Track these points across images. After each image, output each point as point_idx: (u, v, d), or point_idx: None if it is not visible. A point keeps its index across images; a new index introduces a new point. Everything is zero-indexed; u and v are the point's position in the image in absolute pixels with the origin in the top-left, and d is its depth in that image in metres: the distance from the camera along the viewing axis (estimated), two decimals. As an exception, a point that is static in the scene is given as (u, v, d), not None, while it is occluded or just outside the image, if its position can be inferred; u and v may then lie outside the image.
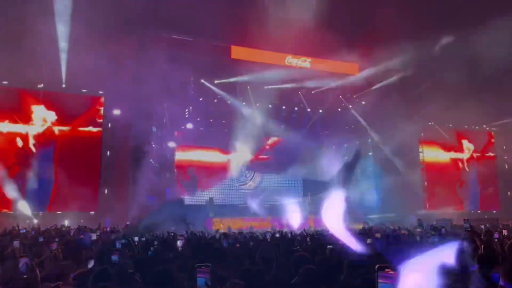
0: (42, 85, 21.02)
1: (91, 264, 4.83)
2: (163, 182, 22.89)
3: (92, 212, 21.38)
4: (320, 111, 26.59)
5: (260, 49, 23.64)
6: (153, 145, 23.12)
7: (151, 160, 22.14)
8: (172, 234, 10.13)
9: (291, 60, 24.27)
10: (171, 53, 21.30)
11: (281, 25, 19.71)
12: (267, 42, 22.68)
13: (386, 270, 2.34)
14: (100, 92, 22.56)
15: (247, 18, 20.67)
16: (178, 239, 7.11)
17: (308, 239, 8.00)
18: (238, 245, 7.58)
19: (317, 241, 7.67)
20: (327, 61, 25.34)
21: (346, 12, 21.58)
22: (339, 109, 26.98)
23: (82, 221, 19.16)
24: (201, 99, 24.49)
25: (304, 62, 24.51)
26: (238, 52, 23.24)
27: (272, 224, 23.61)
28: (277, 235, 9.61)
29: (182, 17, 19.76)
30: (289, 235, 10.20)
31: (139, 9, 18.61)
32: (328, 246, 6.63)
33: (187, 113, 25.32)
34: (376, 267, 2.37)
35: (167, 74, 20.39)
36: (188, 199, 24.20)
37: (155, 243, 7.56)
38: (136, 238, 7.60)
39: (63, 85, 21.09)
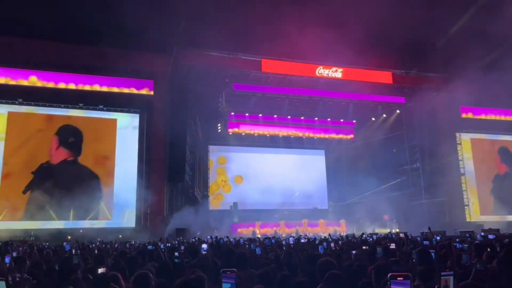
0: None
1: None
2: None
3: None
4: None
5: (290, 61, 23.85)
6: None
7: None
8: (198, 239, 10.27)
9: (322, 71, 24.22)
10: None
11: (311, 36, 19.85)
12: (297, 54, 22.95)
13: (399, 278, 2.34)
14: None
15: (277, 31, 21.01)
16: (203, 244, 7.22)
17: (333, 244, 7.95)
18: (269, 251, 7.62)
19: (342, 247, 7.61)
20: (360, 71, 25.12)
21: (377, 19, 21.38)
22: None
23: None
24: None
25: (335, 72, 24.38)
26: (269, 65, 23.50)
27: (297, 229, 23.89)
28: (302, 240, 9.55)
29: (213, 33, 20.32)
30: (314, 240, 10.13)
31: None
32: (353, 252, 6.59)
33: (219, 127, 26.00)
34: (388, 275, 2.37)
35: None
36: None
37: (182, 248, 7.72)
38: (162, 245, 7.78)
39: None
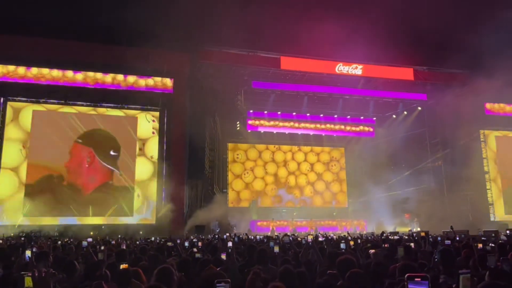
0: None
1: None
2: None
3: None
4: None
5: (310, 58, 23.70)
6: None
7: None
8: (217, 236, 10.33)
9: (342, 67, 24.00)
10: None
11: (330, 33, 19.68)
12: (316, 50, 22.80)
13: (417, 278, 2.33)
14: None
15: (296, 28, 20.90)
16: (228, 241, 7.26)
17: (351, 243, 7.89)
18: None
19: (360, 246, 7.55)
20: (380, 67, 24.80)
21: (397, 14, 21.04)
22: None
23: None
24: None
25: (355, 69, 24.13)
26: (288, 62, 23.41)
27: (316, 227, 23.85)
28: (320, 238, 9.50)
29: (232, 31, 20.36)
30: (333, 238, 10.08)
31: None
32: (371, 251, 6.52)
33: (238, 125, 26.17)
34: (405, 276, 2.36)
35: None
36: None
37: (199, 244, 7.78)
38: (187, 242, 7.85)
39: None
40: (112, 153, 22.22)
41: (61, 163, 21.58)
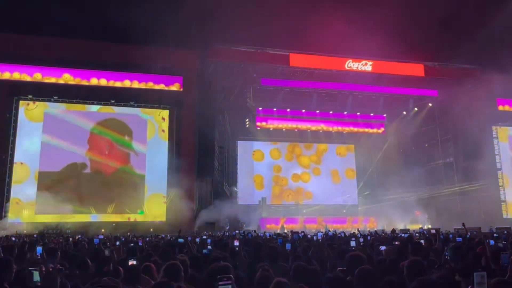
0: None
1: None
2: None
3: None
4: None
5: (319, 55, 23.56)
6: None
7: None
8: (227, 233, 10.37)
9: (351, 64, 23.83)
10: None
11: (339, 29, 19.56)
12: (325, 47, 22.67)
13: None
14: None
15: (304, 25, 20.81)
16: (235, 239, 7.27)
17: (361, 239, 7.86)
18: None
19: (369, 242, 7.51)
20: (390, 63, 24.57)
21: (407, 10, 20.83)
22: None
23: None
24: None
25: (365, 66, 23.94)
26: (296, 59, 23.30)
27: (325, 224, 23.81)
28: (330, 234, 9.48)
29: (241, 29, 20.34)
30: (343, 235, 10.04)
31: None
32: (381, 247, 6.49)
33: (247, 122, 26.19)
34: None
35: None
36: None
37: (209, 241, 7.81)
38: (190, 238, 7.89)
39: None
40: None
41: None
